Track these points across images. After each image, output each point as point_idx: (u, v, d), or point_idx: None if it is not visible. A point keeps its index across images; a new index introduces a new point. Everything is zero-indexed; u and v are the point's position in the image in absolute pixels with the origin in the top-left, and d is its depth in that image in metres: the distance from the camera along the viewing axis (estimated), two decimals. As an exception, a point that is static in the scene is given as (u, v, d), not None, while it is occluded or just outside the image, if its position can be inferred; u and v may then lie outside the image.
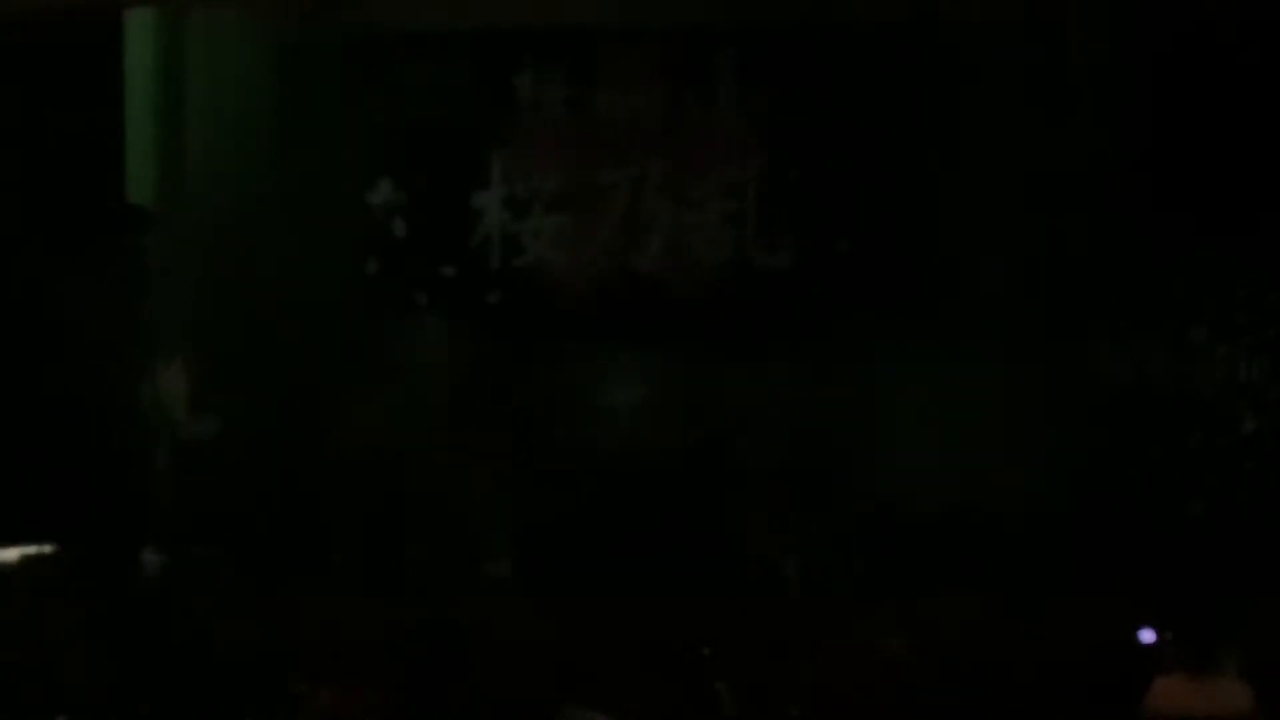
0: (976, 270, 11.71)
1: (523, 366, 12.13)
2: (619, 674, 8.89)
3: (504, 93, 12.15)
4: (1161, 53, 11.28)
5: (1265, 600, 9.41)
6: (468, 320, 12.36)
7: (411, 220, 12.22)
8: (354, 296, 12.27)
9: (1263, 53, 11.09)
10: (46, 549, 10.79)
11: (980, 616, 9.68)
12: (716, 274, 12.09)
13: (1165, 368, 11.37)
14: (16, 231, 11.49)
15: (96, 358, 11.58)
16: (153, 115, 11.98)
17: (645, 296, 12.09)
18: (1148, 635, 8.81)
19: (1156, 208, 11.25)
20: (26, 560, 10.68)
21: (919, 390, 11.60)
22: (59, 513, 11.23)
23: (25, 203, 11.46)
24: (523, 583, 11.14)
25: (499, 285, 12.23)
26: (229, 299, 12.10)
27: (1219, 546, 10.87)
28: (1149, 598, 9.31)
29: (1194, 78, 11.16)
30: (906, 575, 10.75)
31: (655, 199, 12.11)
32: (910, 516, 11.31)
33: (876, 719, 8.39)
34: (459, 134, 12.15)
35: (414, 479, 11.79)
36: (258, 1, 12.35)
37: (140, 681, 8.73)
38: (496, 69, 12.14)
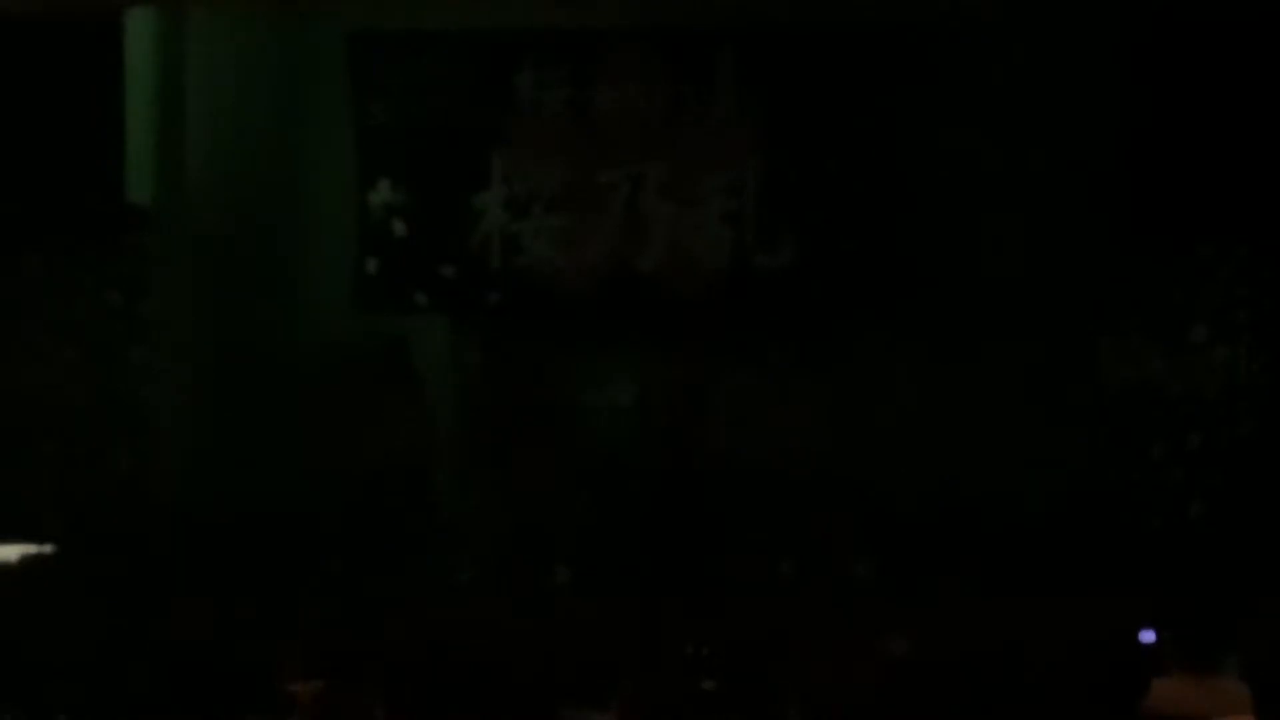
0: (976, 270, 11.70)
1: (522, 366, 12.13)
2: (619, 674, 8.89)
3: (504, 93, 12.14)
4: (1161, 52, 11.27)
5: (1265, 600, 9.41)
6: (467, 320, 12.36)
7: (411, 220, 12.21)
8: (353, 296, 12.27)
9: (1263, 53, 11.09)
10: (46, 549, 10.79)
11: (980, 616, 9.69)
12: (716, 274, 12.08)
13: (1165, 368, 11.37)
14: (16, 231, 11.49)
15: (96, 357, 11.58)
16: (153, 115, 11.97)
17: (645, 296, 12.08)
18: (1148, 635, 8.81)
19: (1157, 207, 11.24)
20: (26, 560, 10.69)
21: (919, 390, 11.61)
22: (59, 513, 11.24)
23: (25, 203, 11.46)
24: (522, 583, 11.13)
25: (499, 285, 12.22)
26: (228, 297, 12.10)
27: (1219, 546, 10.87)
28: (1149, 598, 9.31)
29: (1192, 77, 11.16)
30: (906, 575, 10.74)
31: (655, 199, 12.10)
32: (910, 516, 11.31)
33: (876, 719, 8.39)
34: (459, 134, 12.15)
35: (413, 478, 11.79)
36: (258, 1, 12.34)
37: (139, 681, 8.74)
38: (496, 69, 12.13)
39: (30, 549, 10.75)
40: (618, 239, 12.14)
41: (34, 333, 11.58)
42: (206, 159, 12.16)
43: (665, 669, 9.11)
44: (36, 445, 11.48)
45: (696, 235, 12.10)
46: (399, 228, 12.23)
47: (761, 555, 11.22)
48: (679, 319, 12.04)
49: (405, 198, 12.22)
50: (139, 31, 11.85)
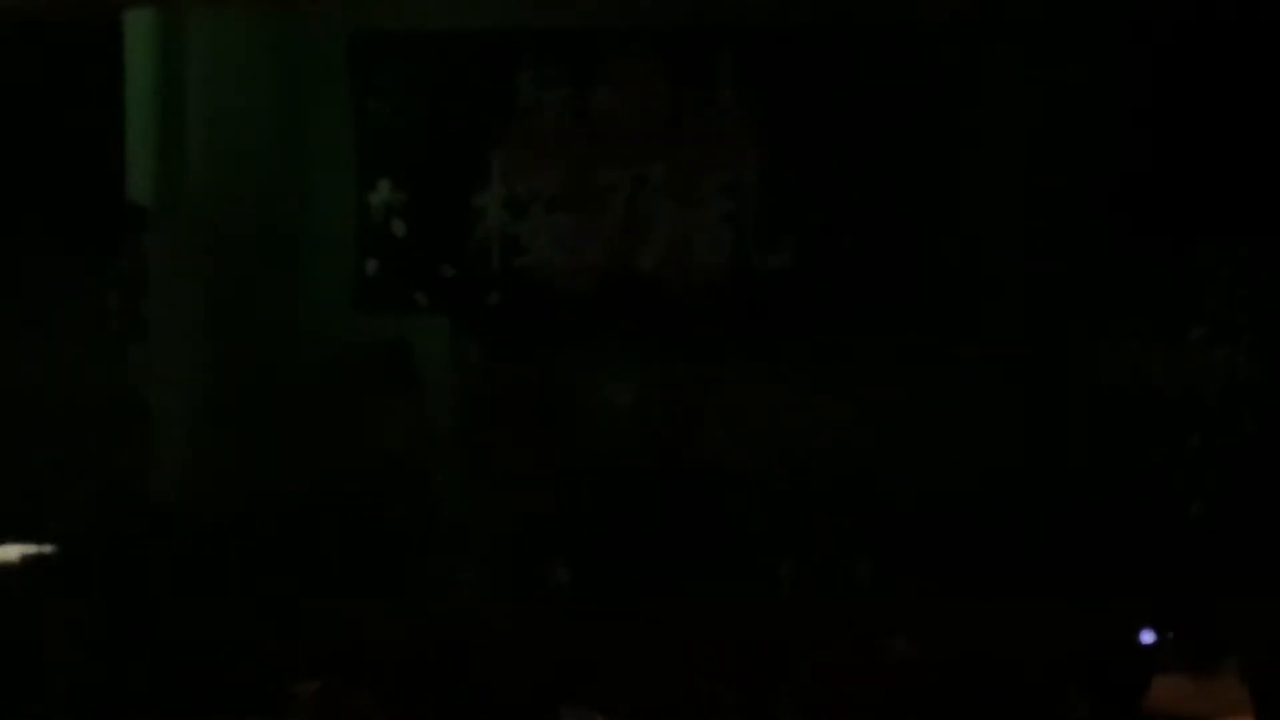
0: (976, 269, 11.71)
1: (522, 366, 12.13)
2: (619, 674, 8.89)
3: (504, 93, 12.15)
4: (1162, 51, 11.27)
5: (1265, 600, 9.41)
6: (468, 320, 12.36)
7: (411, 220, 12.22)
8: (353, 296, 12.27)
9: (1263, 53, 11.09)
10: (46, 549, 10.79)
11: (980, 616, 9.69)
12: (716, 274, 12.08)
13: (1165, 368, 11.37)
14: (16, 231, 11.49)
15: (96, 357, 11.58)
16: (153, 115, 11.97)
17: (645, 296, 12.09)
18: (1148, 635, 8.81)
19: (1157, 207, 11.25)
20: (26, 560, 10.69)
21: (919, 389, 11.60)
22: (59, 513, 11.24)
23: (26, 203, 11.46)
24: (522, 583, 11.13)
25: (499, 285, 12.23)
26: (228, 297, 12.10)
27: (1219, 547, 10.87)
28: (1149, 598, 9.31)
29: (1192, 76, 11.16)
30: (906, 575, 10.74)
31: (655, 199, 12.11)
32: (910, 516, 11.31)
33: (876, 719, 8.39)
34: (459, 134, 12.15)
35: (413, 478, 11.80)
36: (258, 1, 12.34)
37: (139, 681, 8.74)
38: (496, 69, 12.14)
39: (30, 549, 10.75)
40: (618, 239, 12.14)
41: (34, 333, 11.57)
42: (206, 159, 12.16)
43: (665, 669, 9.11)
44: (36, 445, 11.47)
45: (697, 235, 12.11)
46: (399, 228, 12.24)
47: (761, 555, 11.22)
48: (679, 319, 12.05)
49: (405, 198, 12.23)
50: (139, 31, 11.85)
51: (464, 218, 12.22)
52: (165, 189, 12.03)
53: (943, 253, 11.82)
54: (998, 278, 11.69)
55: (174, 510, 11.58)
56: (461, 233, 12.23)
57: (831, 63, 11.91)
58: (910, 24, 11.75)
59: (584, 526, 11.56)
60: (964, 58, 11.75)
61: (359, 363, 12.08)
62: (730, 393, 11.95)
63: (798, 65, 11.93)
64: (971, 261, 11.72)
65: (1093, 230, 11.47)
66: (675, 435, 11.92)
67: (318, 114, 12.37)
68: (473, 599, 10.78)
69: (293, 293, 12.30)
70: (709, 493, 11.68)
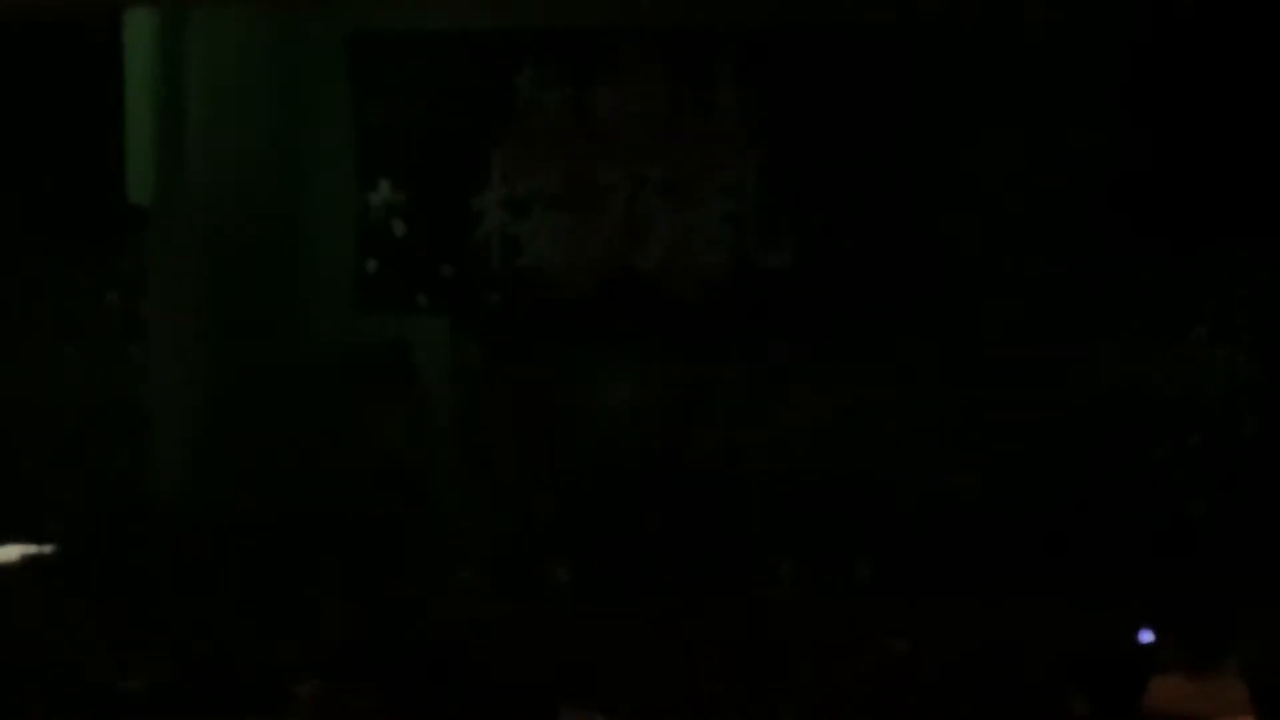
0: (976, 269, 11.71)
1: (522, 366, 12.13)
2: (619, 674, 8.90)
3: (504, 93, 12.15)
4: (1162, 52, 11.27)
5: (1265, 600, 9.41)
6: (468, 320, 12.36)
7: (411, 220, 12.22)
8: (353, 296, 12.28)
9: (1263, 53, 11.09)
10: (46, 549, 10.80)
11: (980, 616, 9.69)
12: (716, 274, 12.08)
13: (1165, 368, 11.37)
14: (17, 231, 11.49)
15: (96, 357, 11.58)
16: (153, 115, 11.97)
17: (645, 296, 12.08)
18: (1148, 635, 8.81)
19: (1157, 207, 11.25)
20: (26, 560, 10.69)
21: (919, 390, 11.60)
22: (59, 513, 11.24)
23: (26, 203, 11.46)
24: (522, 583, 11.13)
25: (499, 285, 12.23)
26: (228, 298, 12.10)
27: (1219, 546, 10.88)
28: (1149, 598, 9.31)
29: (1192, 76, 11.16)
30: (906, 575, 10.75)
31: (655, 199, 12.11)
32: (910, 516, 11.31)
33: (876, 719, 8.40)
34: (459, 134, 12.15)
35: (413, 478, 11.80)
36: (258, 1, 12.34)
37: (139, 681, 8.74)
38: (496, 69, 12.14)
39: (30, 549, 10.76)
40: (618, 239, 12.14)
41: (34, 333, 11.58)
42: (206, 159, 12.16)
43: (665, 669, 9.12)
44: (36, 445, 11.48)
45: (696, 235, 12.11)
46: (399, 228, 12.24)
47: (761, 555, 11.22)
48: (679, 319, 12.05)
49: (405, 198, 12.23)
50: (139, 31, 11.86)
51: (464, 218, 12.21)
52: (165, 189, 12.04)
53: (943, 253, 11.81)
54: (998, 278, 11.69)
55: (174, 510, 11.59)
56: (461, 233, 12.23)
57: (831, 63, 11.91)
58: (910, 24, 11.74)
59: (584, 526, 11.56)
60: (964, 58, 11.74)
61: (359, 363, 12.09)
62: (730, 393, 11.95)
63: (797, 66, 11.93)
64: (971, 261, 11.72)
65: (1093, 231, 11.47)
66: (675, 435, 11.92)
67: (317, 114, 12.37)
68: (473, 599, 10.78)
69: (293, 292, 12.29)
70: (709, 492, 11.68)
